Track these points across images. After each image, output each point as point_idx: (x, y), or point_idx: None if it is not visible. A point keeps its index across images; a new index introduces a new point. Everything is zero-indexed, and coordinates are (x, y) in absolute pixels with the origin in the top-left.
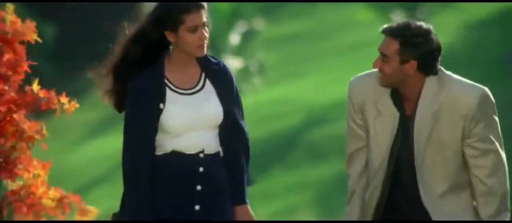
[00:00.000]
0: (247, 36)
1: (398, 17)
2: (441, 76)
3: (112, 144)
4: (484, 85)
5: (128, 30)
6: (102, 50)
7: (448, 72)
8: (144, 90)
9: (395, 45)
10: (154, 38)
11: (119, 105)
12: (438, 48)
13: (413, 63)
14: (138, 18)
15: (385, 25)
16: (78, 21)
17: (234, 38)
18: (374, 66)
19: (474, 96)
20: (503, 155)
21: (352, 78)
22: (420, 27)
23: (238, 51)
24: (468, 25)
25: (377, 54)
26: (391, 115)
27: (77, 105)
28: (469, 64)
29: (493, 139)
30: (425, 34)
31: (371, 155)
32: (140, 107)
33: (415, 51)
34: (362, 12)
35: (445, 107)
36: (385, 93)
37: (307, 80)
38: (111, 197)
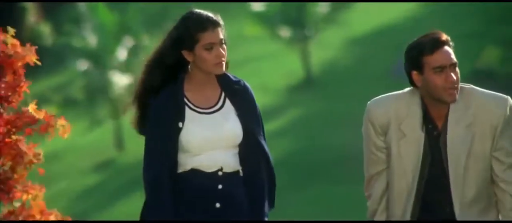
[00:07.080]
0: (134, 52)
1: (285, 33)
2: (463, 89)
3: None
4: (371, 98)
5: (149, 54)
6: None
7: (467, 85)
8: (163, 108)
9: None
10: (172, 60)
11: (140, 128)
12: None
13: None
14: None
15: (442, 38)
16: None
17: (122, 54)
18: (457, 81)
19: (502, 106)
20: None
21: (369, 102)
22: None
23: (126, 67)
24: (353, 40)
25: (266, 68)
26: (416, 138)
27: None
28: (356, 78)
29: None
30: None
31: (394, 177)
32: (159, 125)
33: None
34: (249, 27)
35: (477, 119)
36: (408, 115)
37: None
38: None
